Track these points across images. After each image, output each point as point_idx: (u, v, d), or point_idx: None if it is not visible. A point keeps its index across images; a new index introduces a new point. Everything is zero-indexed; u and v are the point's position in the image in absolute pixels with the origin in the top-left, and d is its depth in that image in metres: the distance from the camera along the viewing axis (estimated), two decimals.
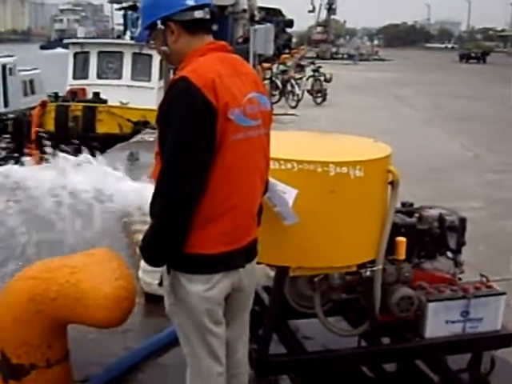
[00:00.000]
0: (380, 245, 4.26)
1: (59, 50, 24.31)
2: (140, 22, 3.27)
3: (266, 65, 28.09)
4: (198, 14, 3.16)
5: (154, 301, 5.62)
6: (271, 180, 3.51)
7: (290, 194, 3.74)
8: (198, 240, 3.03)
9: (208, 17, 3.21)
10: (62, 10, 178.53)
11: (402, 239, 4.43)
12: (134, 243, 6.92)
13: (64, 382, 4.28)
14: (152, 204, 3.02)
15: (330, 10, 74.26)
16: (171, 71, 26.05)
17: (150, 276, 3.14)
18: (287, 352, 4.54)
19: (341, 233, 4.05)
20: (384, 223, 4.26)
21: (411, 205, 5.00)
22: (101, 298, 3.83)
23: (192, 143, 2.89)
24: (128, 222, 7.53)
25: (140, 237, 6.31)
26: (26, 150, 22.01)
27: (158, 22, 3.12)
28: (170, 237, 2.99)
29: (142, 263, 3.13)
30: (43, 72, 31.32)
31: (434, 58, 77.75)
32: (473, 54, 78.56)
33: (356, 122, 17.43)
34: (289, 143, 4.41)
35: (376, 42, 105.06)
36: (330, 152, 4.23)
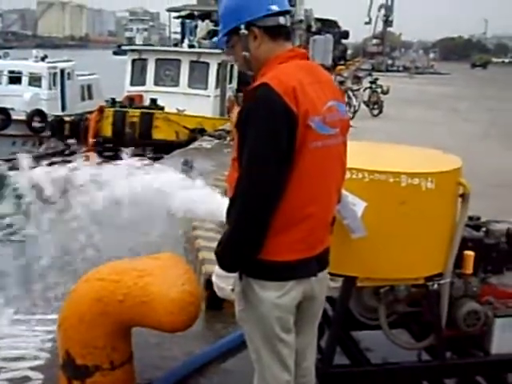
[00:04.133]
0: (448, 258, 4.20)
1: None
2: (220, 27, 3.26)
3: None
4: (282, 19, 3.15)
5: (215, 307, 5.69)
6: (343, 191, 3.49)
7: (358, 206, 3.72)
8: (272, 247, 3.01)
9: (289, 23, 3.20)
10: (131, 20, 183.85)
11: (470, 253, 4.35)
12: (195, 249, 6.98)
13: None
14: (229, 210, 3.02)
15: (387, 22, 73.75)
16: (227, 80, 26.43)
17: (223, 281, 3.12)
18: (351, 363, 4.50)
19: (409, 244, 3.99)
20: (453, 236, 4.20)
21: (478, 218, 4.92)
22: (168, 302, 3.84)
23: (271, 151, 2.88)
24: (191, 230, 7.56)
25: (205, 254, 6.39)
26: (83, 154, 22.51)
27: (242, 26, 3.11)
28: (246, 244, 2.98)
29: (216, 268, 3.12)
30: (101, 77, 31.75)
31: (490, 73, 76.67)
32: None
33: (414, 135, 17.21)
34: (360, 153, 4.38)
35: (432, 56, 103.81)
36: (401, 163, 4.19)
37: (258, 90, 2.96)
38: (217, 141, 15.88)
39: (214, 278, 3.16)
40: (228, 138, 15.90)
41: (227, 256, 3.05)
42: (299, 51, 3.24)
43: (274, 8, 3.11)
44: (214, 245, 5.78)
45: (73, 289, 4.22)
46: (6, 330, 5.39)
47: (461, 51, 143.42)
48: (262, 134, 2.89)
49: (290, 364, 3.22)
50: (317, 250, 3.18)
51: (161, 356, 5.04)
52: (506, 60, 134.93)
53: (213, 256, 5.47)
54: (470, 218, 4.85)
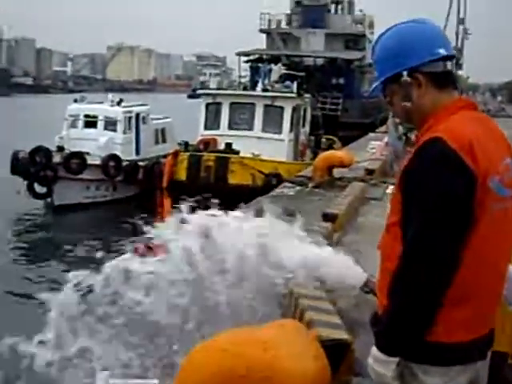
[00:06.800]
0: None
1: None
2: (377, 72, 2.91)
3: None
4: (449, 65, 2.79)
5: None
6: None
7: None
8: (440, 326, 2.62)
9: (454, 69, 2.82)
10: (204, 65, 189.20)
11: None
12: (295, 307, 6.53)
13: None
14: (393, 288, 2.63)
15: (458, 64, 72.92)
16: (300, 124, 26.22)
17: (382, 366, 2.69)
18: None
19: None
20: None
21: None
22: (299, 380, 3.45)
23: (448, 224, 2.51)
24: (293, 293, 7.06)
25: (313, 316, 5.93)
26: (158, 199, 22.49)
27: (404, 73, 2.76)
28: (411, 326, 2.59)
29: (374, 350, 2.69)
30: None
31: None
32: None
33: None
34: None
35: (499, 98, 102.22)
36: None
37: (429, 144, 2.58)
38: (298, 187, 15.51)
39: (370, 362, 2.73)
40: (310, 185, 15.53)
41: (391, 338, 2.64)
42: (469, 101, 2.85)
43: (442, 52, 2.75)
44: (322, 305, 5.36)
45: (187, 358, 3.84)
46: None
47: None
48: (436, 204, 2.51)
49: None
50: (485, 329, 2.79)
51: None
52: None
53: (322, 317, 5.06)
54: None
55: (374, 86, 2.94)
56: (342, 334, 4.85)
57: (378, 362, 2.69)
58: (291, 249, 4.08)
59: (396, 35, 2.84)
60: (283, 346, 3.60)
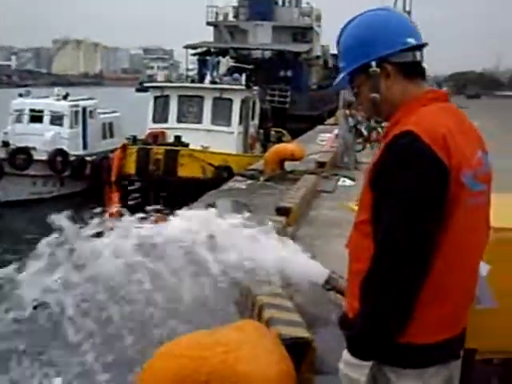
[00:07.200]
0: None
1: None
2: (342, 63, 2.73)
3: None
4: (419, 55, 2.64)
5: None
6: None
7: (481, 270, 3.16)
8: (413, 327, 2.47)
9: (423, 60, 2.68)
10: (152, 59, 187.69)
11: None
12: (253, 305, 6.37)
13: None
14: (366, 289, 2.48)
15: None
16: (250, 116, 26.08)
17: (355, 371, 2.52)
18: None
19: None
20: None
21: None
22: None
23: (421, 220, 2.37)
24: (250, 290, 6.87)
25: (273, 313, 5.75)
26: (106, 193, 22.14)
27: (373, 63, 2.60)
28: (387, 327, 2.44)
29: (345, 355, 2.52)
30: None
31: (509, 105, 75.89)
32: None
33: None
34: None
35: (445, 90, 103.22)
36: None
37: (400, 139, 2.42)
38: (250, 181, 15.37)
39: (342, 367, 2.56)
40: (261, 179, 15.41)
41: (365, 341, 2.48)
42: (440, 92, 2.71)
43: (411, 41, 2.60)
44: (280, 302, 5.21)
45: (146, 366, 3.64)
46: None
47: (473, 85, 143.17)
48: (408, 194, 2.37)
49: None
50: (459, 328, 2.66)
51: None
52: None
53: (282, 315, 4.91)
54: None
55: (340, 77, 2.77)
56: (303, 332, 4.73)
57: (350, 367, 2.52)
58: (248, 246, 3.87)
59: (364, 24, 2.68)
60: (245, 348, 3.44)
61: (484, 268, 3.17)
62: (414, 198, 2.36)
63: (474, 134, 2.65)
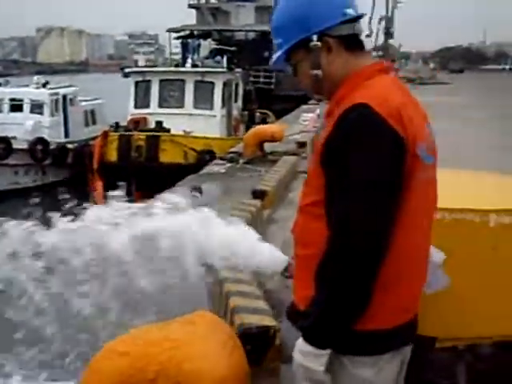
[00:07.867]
0: None
1: None
2: (278, 40, 2.53)
3: None
4: (358, 27, 2.48)
5: (254, 362, 4.92)
6: None
7: (435, 257, 2.99)
8: (371, 313, 2.33)
9: (361, 31, 2.50)
10: (139, 44, 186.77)
11: None
12: (220, 293, 6.19)
13: None
14: (322, 274, 2.31)
15: (388, 34, 73.23)
16: (233, 99, 25.86)
17: (313, 361, 2.34)
18: None
19: (504, 298, 3.27)
20: None
21: None
22: (215, 382, 3.10)
23: (381, 199, 2.22)
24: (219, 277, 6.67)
25: (238, 301, 5.57)
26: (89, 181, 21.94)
27: (314, 37, 2.42)
28: (345, 314, 2.29)
29: (301, 344, 2.34)
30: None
31: (493, 79, 75.77)
32: None
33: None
34: None
35: (432, 66, 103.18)
36: (488, 197, 3.46)
37: (352, 112, 2.25)
38: (229, 164, 15.19)
39: (297, 357, 2.39)
40: (241, 161, 15.23)
41: (321, 330, 2.32)
42: (387, 64, 2.54)
43: (350, 12, 2.44)
44: (248, 289, 5.04)
45: (90, 365, 3.44)
46: None
47: (460, 59, 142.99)
48: (365, 171, 2.21)
49: None
50: (413, 312, 2.54)
51: None
52: (507, 67, 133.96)
53: (247, 303, 4.74)
54: None
55: (277, 54, 2.57)
56: (269, 321, 4.57)
57: (307, 357, 2.35)
58: (208, 234, 3.68)
59: None
60: (195, 344, 3.25)
61: (438, 256, 2.99)
62: (373, 180, 2.20)
63: (420, 107, 2.49)
